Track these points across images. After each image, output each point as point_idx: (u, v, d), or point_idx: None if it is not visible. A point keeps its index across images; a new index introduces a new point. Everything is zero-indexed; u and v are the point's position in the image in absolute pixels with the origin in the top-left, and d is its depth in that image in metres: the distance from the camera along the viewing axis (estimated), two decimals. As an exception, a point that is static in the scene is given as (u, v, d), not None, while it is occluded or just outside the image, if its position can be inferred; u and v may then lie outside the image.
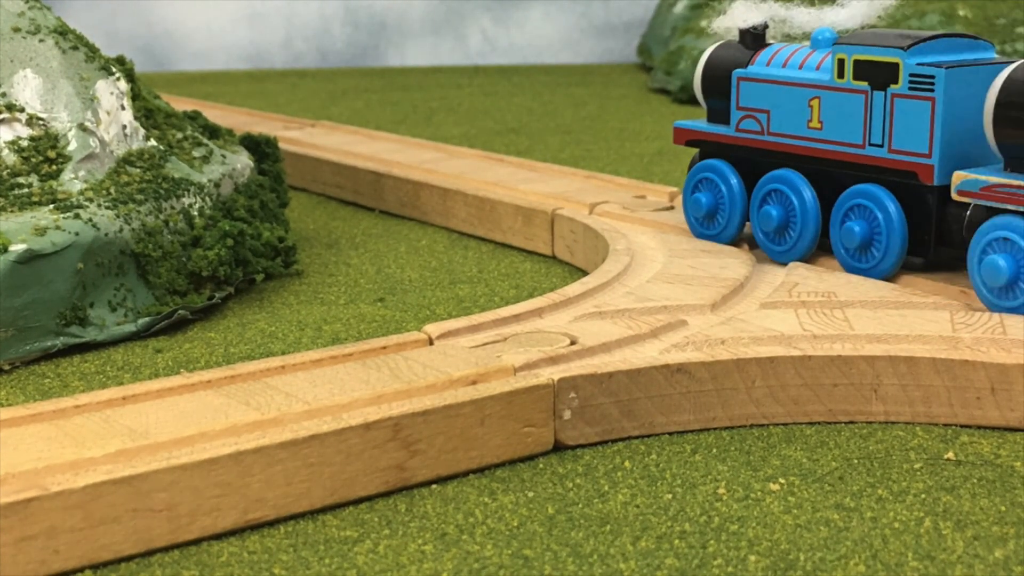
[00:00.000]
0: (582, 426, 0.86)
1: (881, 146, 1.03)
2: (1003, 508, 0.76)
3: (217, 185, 1.20)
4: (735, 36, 1.18)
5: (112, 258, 1.07)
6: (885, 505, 0.76)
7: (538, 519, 0.76)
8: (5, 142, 1.10)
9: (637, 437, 0.87)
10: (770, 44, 1.15)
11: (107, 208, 1.08)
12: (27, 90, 1.13)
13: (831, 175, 1.08)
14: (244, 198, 1.24)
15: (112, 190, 1.10)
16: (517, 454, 0.84)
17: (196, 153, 1.24)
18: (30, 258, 1.02)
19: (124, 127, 1.17)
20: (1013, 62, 0.97)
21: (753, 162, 1.14)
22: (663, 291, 1.01)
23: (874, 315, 0.96)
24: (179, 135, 1.25)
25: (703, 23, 2.35)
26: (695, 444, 0.86)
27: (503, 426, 0.83)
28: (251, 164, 1.29)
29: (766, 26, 1.16)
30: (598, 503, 0.78)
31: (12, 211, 1.05)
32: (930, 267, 1.06)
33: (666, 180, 1.60)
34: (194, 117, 1.35)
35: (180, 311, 1.10)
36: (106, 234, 1.07)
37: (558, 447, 0.86)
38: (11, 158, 1.10)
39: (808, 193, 1.08)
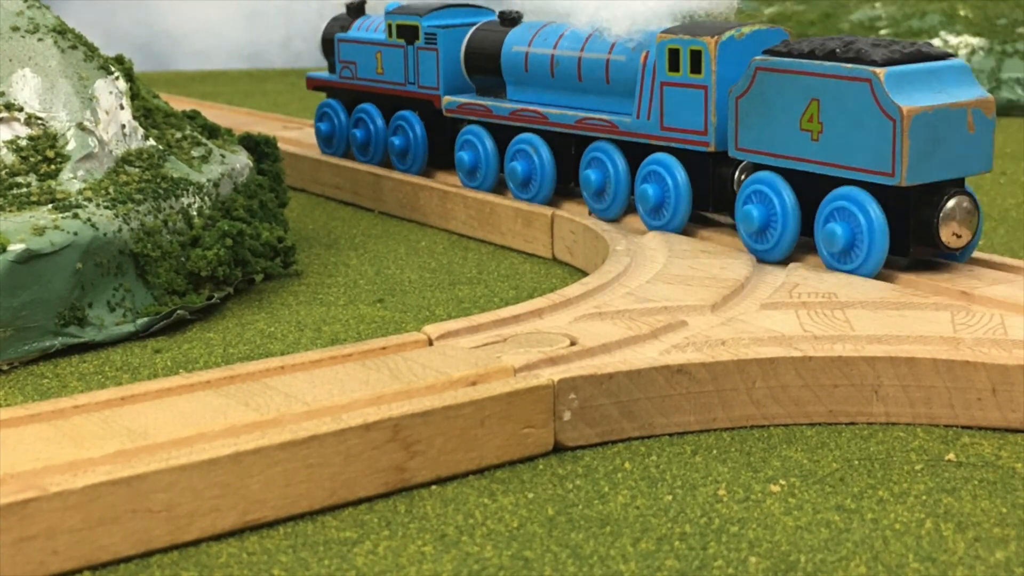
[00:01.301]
0: (582, 427, 0.86)
1: (414, 84, 1.46)
2: (1004, 510, 0.75)
3: (216, 185, 1.20)
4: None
5: (111, 258, 1.07)
6: (886, 506, 0.76)
7: (538, 520, 0.76)
8: (4, 141, 1.10)
9: (637, 438, 0.87)
10: (367, 15, 1.57)
11: (106, 208, 1.08)
12: (26, 89, 1.13)
13: (391, 106, 1.51)
14: (243, 198, 1.23)
15: (111, 190, 1.10)
16: (517, 455, 0.84)
17: (195, 153, 1.24)
18: (29, 258, 1.01)
19: (123, 126, 1.17)
20: (480, 23, 1.40)
21: (351, 99, 1.56)
22: (663, 292, 1.01)
23: (875, 316, 0.95)
24: (178, 135, 1.25)
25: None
26: (695, 445, 0.86)
27: (503, 427, 0.83)
28: (250, 164, 1.29)
29: (364, 1, 1.59)
30: (598, 504, 0.78)
31: (11, 211, 1.05)
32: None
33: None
34: (193, 117, 1.35)
35: (179, 311, 1.10)
36: (105, 234, 1.06)
37: (558, 448, 0.85)
38: (10, 157, 1.09)
39: (379, 120, 1.52)
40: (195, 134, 1.27)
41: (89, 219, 1.06)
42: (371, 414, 0.79)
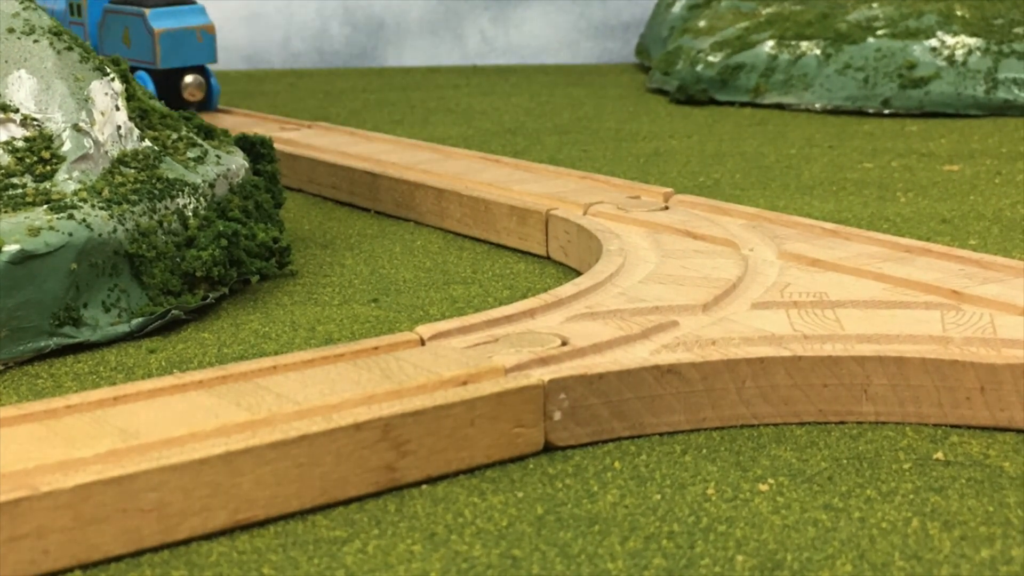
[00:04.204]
0: (572, 427, 0.86)
1: None
2: (991, 508, 0.76)
3: (212, 185, 1.21)
4: None
5: (106, 258, 1.08)
6: (873, 505, 0.77)
7: (527, 519, 0.76)
8: (-1, 143, 1.11)
9: (627, 438, 0.88)
10: None
11: (101, 209, 1.08)
12: (21, 91, 1.14)
13: None
14: (239, 198, 1.24)
15: (106, 191, 1.11)
16: (507, 455, 0.84)
17: (190, 154, 1.24)
18: (24, 258, 1.02)
19: (119, 128, 1.17)
20: None
21: None
22: (655, 292, 1.02)
23: (865, 315, 0.96)
24: (174, 136, 1.26)
25: (701, 23, 2.35)
26: (685, 445, 0.86)
27: (493, 427, 0.83)
28: (246, 164, 1.29)
29: None
30: (587, 503, 0.78)
31: (6, 212, 1.05)
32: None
33: (661, 180, 1.60)
34: (189, 118, 1.35)
35: (174, 311, 1.10)
36: (100, 235, 1.07)
37: (548, 448, 0.86)
38: (5, 159, 1.10)
39: None
40: (191, 135, 1.28)
41: (84, 220, 1.06)
42: (362, 414, 0.80)
